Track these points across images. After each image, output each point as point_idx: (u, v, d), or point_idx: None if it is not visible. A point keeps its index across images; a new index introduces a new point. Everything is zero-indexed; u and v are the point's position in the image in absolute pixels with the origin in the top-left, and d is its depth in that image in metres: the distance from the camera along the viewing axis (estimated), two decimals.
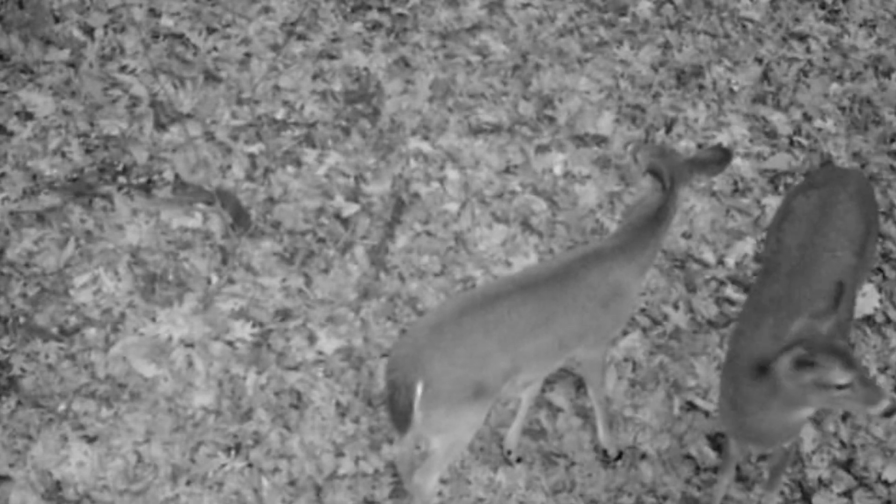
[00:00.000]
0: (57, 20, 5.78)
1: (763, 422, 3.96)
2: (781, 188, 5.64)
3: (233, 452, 4.58)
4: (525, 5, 6.27)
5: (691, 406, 4.90)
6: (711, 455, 4.76)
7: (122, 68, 5.68)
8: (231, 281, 5.03)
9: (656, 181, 4.18)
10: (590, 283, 4.16)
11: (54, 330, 4.81)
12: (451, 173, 5.50)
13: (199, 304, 4.93)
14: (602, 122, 5.79)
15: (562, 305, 4.12)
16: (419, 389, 3.88)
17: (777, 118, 5.95)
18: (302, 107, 5.66)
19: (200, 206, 5.21)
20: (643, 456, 4.75)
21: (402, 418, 3.92)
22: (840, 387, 3.69)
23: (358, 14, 6.11)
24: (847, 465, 4.82)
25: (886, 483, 4.79)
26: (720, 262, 5.37)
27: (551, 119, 5.78)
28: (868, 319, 5.24)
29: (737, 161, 5.72)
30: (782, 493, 4.69)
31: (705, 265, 5.35)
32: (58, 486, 4.43)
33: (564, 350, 4.22)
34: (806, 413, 3.92)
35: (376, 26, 6.07)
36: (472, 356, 3.96)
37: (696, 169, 4.23)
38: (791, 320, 3.95)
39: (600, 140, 5.72)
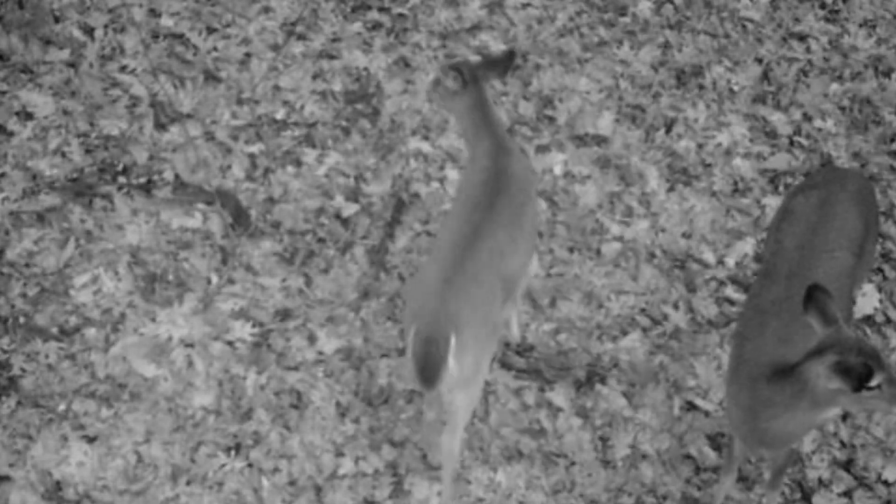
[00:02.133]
0: (57, 20, 5.78)
1: (788, 424, 3.94)
2: (781, 188, 5.64)
3: (233, 452, 4.58)
4: (525, 5, 6.27)
5: (691, 406, 4.89)
6: (711, 455, 4.76)
7: (122, 68, 5.68)
8: (231, 281, 5.03)
9: (458, 79, 4.50)
10: (518, 176, 4.40)
11: (54, 330, 4.81)
12: (451, 173, 5.49)
13: (199, 304, 4.93)
14: (602, 122, 5.79)
15: (517, 213, 4.34)
16: (453, 340, 4.00)
17: (777, 118, 5.95)
18: (302, 107, 5.66)
19: (200, 206, 5.21)
20: (643, 456, 4.75)
21: (433, 373, 4.00)
22: (870, 388, 3.70)
23: (358, 14, 6.11)
24: (847, 465, 4.82)
25: (886, 483, 4.79)
26: (720, 262, 5.37)
27: (551, 119, 5.78)
28: (868, 319, 5.24)
29: (737, 161, 5.72)
30: (782, 493, 4.69)
31: (705, 265, 5.35)
32: (58, 486, 4.43)
33: (524, 267, 4.48)
34: (833, 413, 3.92)
35: (376, 26, 6.06)
36: (485, 294, 4.13)
37: (489, 67, 4.60)
38: (794, 322, 3.94)
39: (600, 140, 5.72)
